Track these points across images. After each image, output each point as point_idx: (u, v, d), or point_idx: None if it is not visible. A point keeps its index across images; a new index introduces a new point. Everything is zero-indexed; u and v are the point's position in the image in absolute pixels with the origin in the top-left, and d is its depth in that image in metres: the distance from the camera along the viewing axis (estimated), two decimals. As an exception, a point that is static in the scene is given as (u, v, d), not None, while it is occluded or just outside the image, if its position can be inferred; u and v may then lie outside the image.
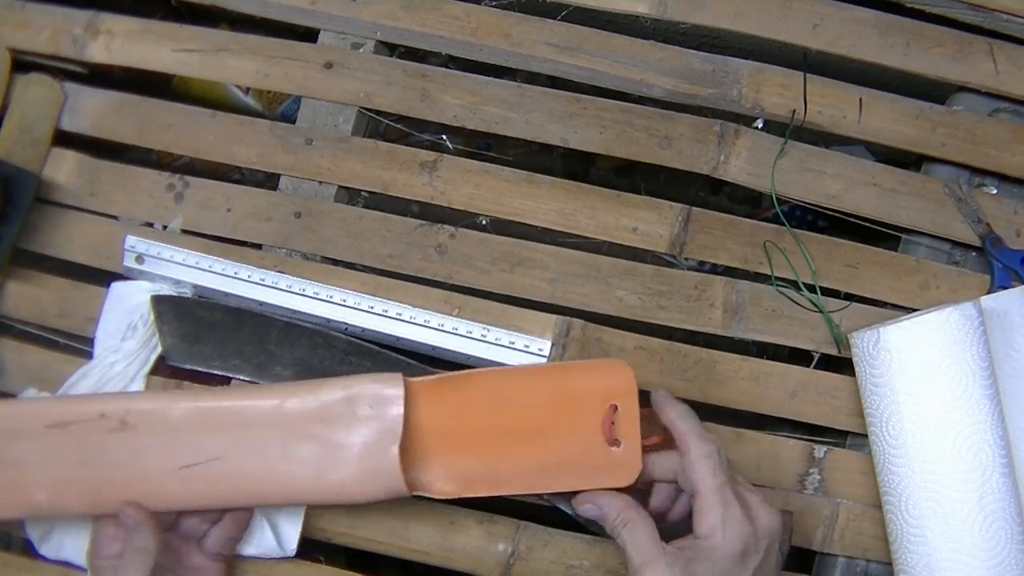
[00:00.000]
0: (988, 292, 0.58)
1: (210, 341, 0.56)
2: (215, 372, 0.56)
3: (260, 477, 0.50)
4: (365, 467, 0.49)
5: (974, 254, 0.60)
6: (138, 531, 0.49)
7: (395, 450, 0.49)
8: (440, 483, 0.51)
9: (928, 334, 0.52)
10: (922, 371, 0.52)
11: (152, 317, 0.56)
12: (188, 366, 0.56)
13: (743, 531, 0.46)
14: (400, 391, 0.50)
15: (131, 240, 0.58)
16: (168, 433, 0.50)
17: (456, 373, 0.52)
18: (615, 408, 0.50)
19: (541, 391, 0.51)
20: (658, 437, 0.50)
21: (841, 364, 0.58)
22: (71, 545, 0.55)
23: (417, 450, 0.51)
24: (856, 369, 0.56)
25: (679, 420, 0.49)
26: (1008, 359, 0.56)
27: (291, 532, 0.54)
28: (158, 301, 0.56)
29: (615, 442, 0.50)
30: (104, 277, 0.58)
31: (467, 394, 0.51)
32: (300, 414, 0.50)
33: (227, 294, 0.57)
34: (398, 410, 0.50)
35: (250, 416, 0.50)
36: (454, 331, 0.57)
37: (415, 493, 0.50)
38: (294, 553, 0.54)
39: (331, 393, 0.50)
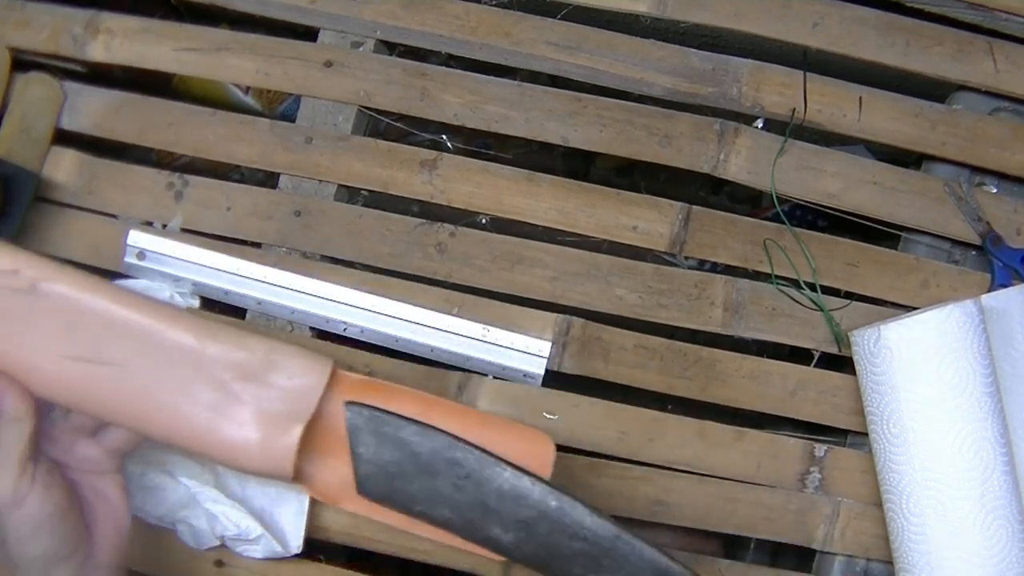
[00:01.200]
0: (988, 291, 0.58)
1: (416, 479, 0.46)
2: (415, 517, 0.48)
3: (151, 401, 0.46)
4: (260, 436, 0.46)
5: (974, 253, 0.60)
6: (7, 399, 0.44)
7: (297, 431, 0.46)
8: (322, 484, 0.48)
9: (929, 332, 0.52)
10: (923, 369, 0.52)
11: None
12: (385, 504, 0.48)
13: None
14: (325, 376, 0.47)
15: (133, 236, 0.58)
16: (74, 319, 0.46)
17: (388, 383, 0.49)
18: None
19: (460, 430, 0.47)
20: None
21: (841, 363, 0.58)
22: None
23: (314, 439, 0.48)
24: (856, 367, 0.56)
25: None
26: (1008, 357, 0.56)
27: (296, 531, 0.54)
28: (354, 414, 0.47)
29: None
30: (103, 276, 0.58)
31: (388, 405, 0.47)
32: (216, 357, 0.47)
33: (227, 292, 0.57)
34: (316, 392, 0.47)
35: (165, 340, 0.46)
36: (454, 332, 0.57)
37: (296, 483, 0.47)
38: (300, 551, 0.54)
39: (255, 350, 0.47)
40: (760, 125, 0.60)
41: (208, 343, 0.47)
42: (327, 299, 0.57)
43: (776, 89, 0.60)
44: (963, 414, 0.52)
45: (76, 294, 0.46)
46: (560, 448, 0.57)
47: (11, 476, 0.42)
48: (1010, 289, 0.57)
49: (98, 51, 0.61)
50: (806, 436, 0.58)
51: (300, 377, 0.47)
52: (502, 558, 0.47)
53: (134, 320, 0.47)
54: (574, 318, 0.58)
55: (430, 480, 0.46)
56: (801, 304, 0.58)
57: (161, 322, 0.47)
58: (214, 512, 0.53)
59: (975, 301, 0.53)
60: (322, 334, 0.58)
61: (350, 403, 0.46)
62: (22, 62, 0.61)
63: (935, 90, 0.61)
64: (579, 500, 0.45)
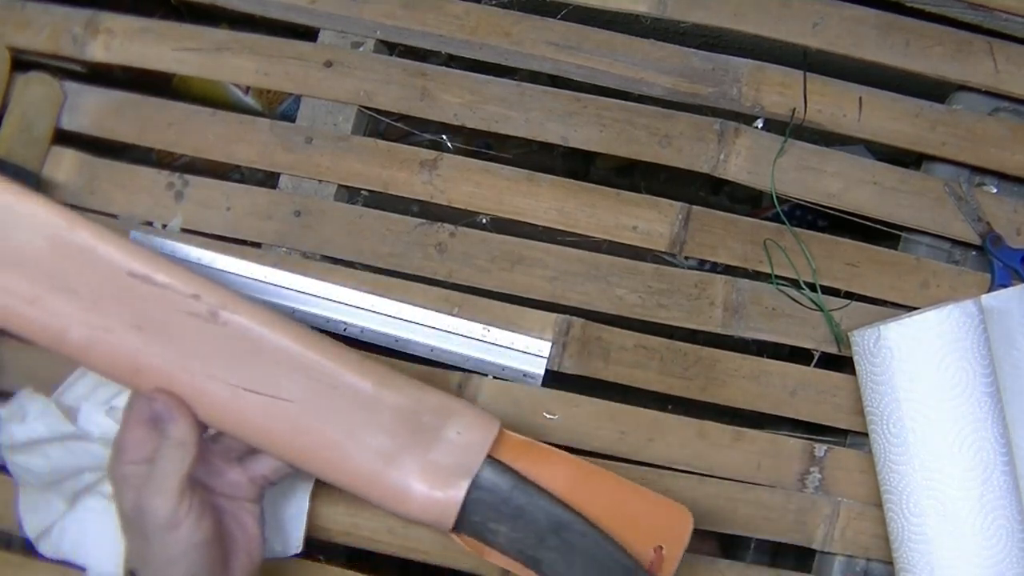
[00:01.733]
0: (988, 291, 0.58)
1: (530, 542, 0.48)
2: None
3: (318, 440, 0.46)
4: (426, 487, 0.46)
5: (974, 253, 0.60)
6: (174, 422, 0.44)
7: (464, 486, 0.46)
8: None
9: (929, 332, 0.52)
10: (923, 369, 0.52)
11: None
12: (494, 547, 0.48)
13: None
14: (494, 433, 0.48)
15: (135, 236, 0.58)
16: (251, 350, 0.46)
17: (544, 446, 0.50)
18: (661, 549, 0.48)
19: (605, 498, 0.48)
20: None
21: (841, 363, 0.58)
22: (70, 544, 0.55)
23: None
24: (856, 367, 0.56)
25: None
26: (1008, 357, 0.56)
27: (296, 531, 0.54)
28: (494, 472, 0.48)
29: None
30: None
31: (542, 467, 0.48)
32: (391, 405, 0.47)
33: (227, 293, 0.57)
34: (483, 448, 0.47)
35: (341, 382, 0.46)
36: (454, 331, 0.57)
37: (453, 534, 0.48)
38: (300, 551, 0.54)
39: (429, 402, 0.48)
40: (760, 125, 0.60)
41: (384, 391, 0.47)
42: (327, 299, 0.57)
43: (776, 89, 0.60)
44: (963, 414, 0.52)
45: (256, 326, 0.46)
46: (560, 448, 0.57)
47: (170, 500, 0.43)
48: (1010, 289, 0.57)
49: (98, 51, 0.61)
50: (806, 436, 0.58)
51: (468, 433, 0.47)
52: None
53: (313, 359, 0.46)
54: (574, 318, 0.58)
55: (540, 543, 0.47)
56: (801, 304, 0.58)
57: (339, 364, 0.47)
58: None
59: (975, 301, 0.53)
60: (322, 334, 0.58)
61: (491, 460, 0.47)
62: (22, 62, 0.61)
63: (935, 90, 0.61)
64: None
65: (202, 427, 0.46)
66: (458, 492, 0.46)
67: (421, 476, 0.46)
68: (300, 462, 0.47)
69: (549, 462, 0.49)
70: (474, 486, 0.46)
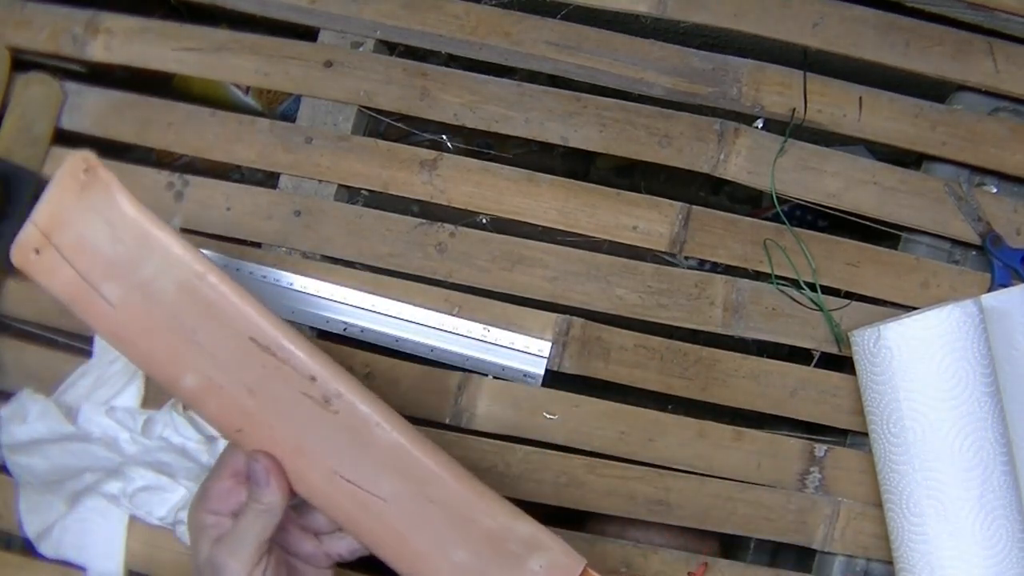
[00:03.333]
0: (988, 291, 0.58)
1: None
2: None
3: (404, 545, 0.46)
4: None
5: (974, 253, 0.60)
6: (269, 488, 0.44)
7: None
8: None
9: (928, 332, 0.52)
10: (923, 369, 0.52)
11: None
12: None
13: None
14: (579, 570, 0.47)
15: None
16: (356, 441, 0.46)
17: None
18: None
19: None
20: None
21: (841, 363, 0.58)
22: (70, 544, 0.55)
23: None
24: (856, 367, 0.56)
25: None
26: (1008, 357, 0.56)
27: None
28: None
29: None
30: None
31: None
32: (482, 526, 0.47)
33: (227, 293, 0.57)
34: None
35: (440, 492, 0.46)
36: (453, 332, 0.57)
37: None
38: None
39: (522, 529, 0.47)
40: (760, 125, 0.60)
41: (480, 510, 0.47)
42: (327, 299, 0.57)
43: (776, 89, 0.60)
44: (963, 414, 0.51)
45: (367, 421, 0.46)
46: (560, 448, 0.57)
47: (247, 563, 0.43)
48: (1010, 289, 0.57)
49: (98, 51, 0.61)
50: (806, 436, 0.58)
51: (554, 568, 0.47)
52: None
53: (417, 461, 0.46)
54: (574, 318, 0.58)
55: None
56: (801, 304, 0.58)
57: (443, 472, 0.46)
58: None
59: (975, 301, 0.53)
60: (322, 334, 0.58)
61: None
62: (22, 62, 0.61)
63: (935, 90, 0.61)
64: None
65: (291, 495, 0.46)
66: None
67: None
68: (381, 556, 0.47)
69: None
70: None
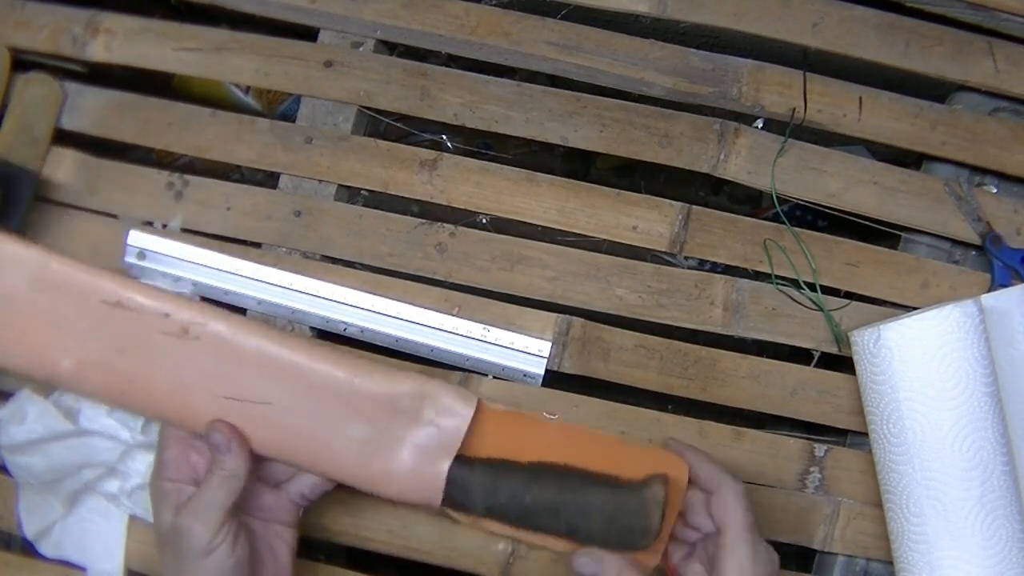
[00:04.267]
0: (988, 291, 0.58)
1: (519, 512, 0.50)
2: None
3: (303, 438, 0.48)
4: (411, 468, 0.48)
5: (974, 253, 0.60)
6: (230, 454, 0.46)
7: (446, 466, 0.48)
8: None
9: (928, 332, 0.52)
10: (923, 369, 0.52)
11: None
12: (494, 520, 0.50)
13: (770, 571, 0.47)
14: (471, 411, 0.49)
15: (133, 236, 0.58)
16: (226, 360, 0.48)
17: (527, 414, 0.52)
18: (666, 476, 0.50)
19: (596, 458, 0.50)
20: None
21: (841, 363, 0.58)
22: (70, 543, 0.55)
23: None
24: (856, 367, 0.56)
25: (707, 461, 0.49)
26: (1008, 357, 0.56)
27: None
28: (462, 469, 0.50)
29: None
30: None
31: (528, 436, 0.51)
32: (367, 394, 0.49)
33: (227, 292, 0.57)
34: (462, 427, 0.49)
35: (316, 378, 0.48)
36: (454, 332, 0.57)
37: (446, 510, 0.50)
38: None
39: (404, 385, 0.49)
40: (760, 125, 0.60)
41: (360, 380, 0.49)
42: (327, 299, 0.57)
43: (776, 89, 0.60)
44: (963, 414, 0.52)
45: (226, 336, 0.48)
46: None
47: (211, 527, 0.44)
48: (1010, 289, 0.57)
49: (98, 51, 0.61)
50: (806, 436, 0.58)
51: (448, 412, 0.49)
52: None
53: (286, 358, 0.48)
54: (574, 318, 0.58)
55: (530, 514, 0.49)
56: (801, 304, 0.58)
57: (313, 360, 0.49)
58: None
59: (975, 301, 0.53)
60: (322, 334, 0.58)
61: (460, 458, 0.49)
62: (22, 62, 0.61)
63: (935, 90, 0.61)
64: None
65: (254, 456, 0.48)
66: (440, 471, 0.48)
67: (405, 460, 0.48)
68: (289, 460, 0.49)
69: (535, 428, 0.51)
70: (456, 463, 0.49)
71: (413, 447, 0.49)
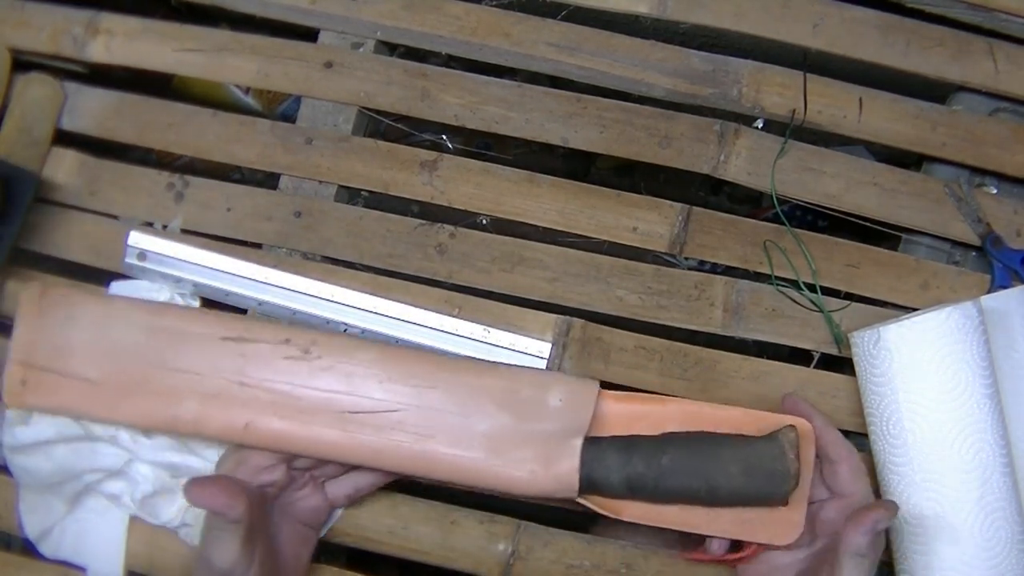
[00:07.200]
0: (988, 292, 0.58)
1: (655, 481, 0.49)
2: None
3: (429, 444, 0.48)
4: (541, 456, 0.48)
5: (974, 254, 0.60)
6: (232, 510, 0.45)
7: (578, 446, 0.48)
8: (598, 497, 0.50)
9: (928, 333, 0.52)
10: (923, 370, 0.52)
11: None
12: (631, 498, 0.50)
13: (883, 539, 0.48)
14: (595, 393, 0.49)
15: (134, 237, 0.58)
16: (348, 374, 0.49)
17: (650, 395, 0.52)
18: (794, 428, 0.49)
19: (720, 427, 0.50)
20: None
21: (841, 364, 0.58)
22: (70, 544, 0.55)
23: None
24: (856, 368, 0.56)
25: (830, 428, 0.50)
26: (1008, 359, 0.56)
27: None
28: (589, 449, 0.49)
29: None
30: (104, 277, 0.58)
31: (653, 418, 0.50)
32: (490, 389, 0.49)
33: (227, 293, 0.57)
34: (589, 408, 0.49)
35: (438, 379, 0.49)
36: (454, 333, 0.57)
37: (581, 499, 0.49)
38: None
39: (527, 376, 0.49)
40: (760, 126, 0.60)
41: (483, 376, 0.49)
42: (327, 300, 0.57)
43: (776, 90, 0.60)
44: (962, 415, 0.52)
45: (349, 345, 0.50)
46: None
47: (234, 553, 0.46)
48: (1010, 290, 0.57)
49: (98, 51, 0.61)
50: (806, 437, 0.58)
51: (572, 396, 0.49)
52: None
53: (407, 361, 0.49)
54: (574, 319, 0.58)
55: (669, 475, 0.48)
56: (801, 305, 0.58)
57: (433, 362, 0.49)
58: None
59: (975, 302, 0.53)
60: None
61: (589, 439, 0.49)
62: (22, 62, 0.61)
63: (935, 91, 0.61)
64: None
65: (290, 457, 0.49)
66: (574, 452, 0.48)
67: (535, 450, 0.48)
68: (416, 468, 0.49)
69: (661, 408, 0.50)
70: (587, 443, 0.48)
71: (542, 436, 0.48)
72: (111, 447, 0.54)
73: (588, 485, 0.48)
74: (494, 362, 0.50)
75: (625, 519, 0.49)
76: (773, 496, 0.47)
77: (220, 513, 0.45)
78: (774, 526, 0.49)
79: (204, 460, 0.54)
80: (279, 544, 0.49)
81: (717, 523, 0.49)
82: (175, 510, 0.54)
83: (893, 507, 0.47)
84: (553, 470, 0.48)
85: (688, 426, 0.50)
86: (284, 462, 0.49)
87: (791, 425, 0.48)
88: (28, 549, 0.56)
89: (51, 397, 0.50)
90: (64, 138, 0.61)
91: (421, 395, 0.49)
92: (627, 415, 0.50)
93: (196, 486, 0.45)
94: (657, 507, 0.49)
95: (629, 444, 0.49)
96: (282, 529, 0.50)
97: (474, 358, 0.51)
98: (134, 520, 0.55)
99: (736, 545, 0.51)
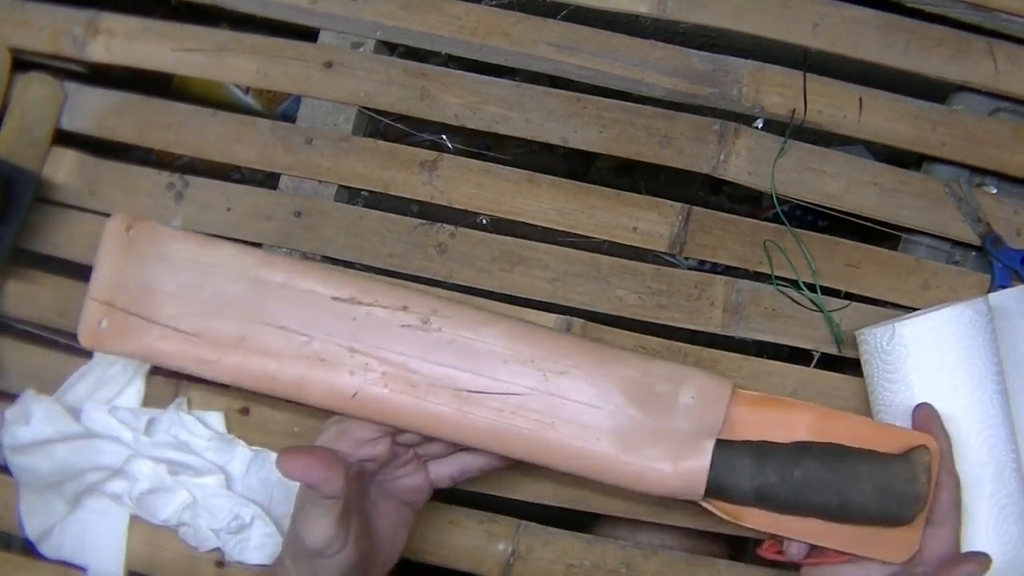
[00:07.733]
0: (988, 291, 0.58)
1: (788, 490, 0.46)
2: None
3: (553, 430, 0.44)
4: (671, 456, 0.45)
5: (974, 253, 0.60)
6: (325, 484, 0.42)
7: (709, 448, 0.45)
8: (722, 502, 0.47)
9: (942, 329, 0.52)
10: (937, 366, 0.52)
11: None
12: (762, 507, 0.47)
13: None
14: (728, 391, 0.46)
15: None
16: (469, 350, 0.44)
17: (783, 400, 0.48)
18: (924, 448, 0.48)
19: (850, 437, 0.47)
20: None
21: (841, 363, 0.58)
22: (70, 544, 0.55)
23: None
24: (865, 366, 0.55)
25: (947, 452, 0.48)
26: (1009, 358, 0.56)
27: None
28: (722, 453, 0.46)
29: None
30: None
31: (784, 423, 0.47)
32: (622, 379, 0.45)
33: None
34: (721, 408, 0.46)
35: (568, 363, 0.45)
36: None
37: (704, 502, 0.46)
38: None
39: (660, 368, 0.46)
40: (760, 126, 0.60)
41: (614, 364, 0.45)
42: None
43: (776, 90, 0.60)
44: (977, 410, 0.51)
45: (474, 320, 0.45)
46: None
47: (328, 531, 0.43)
48: (1010, 290, 0.57)
49: (98, 51, 0.61)
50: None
51: (705, 394, 0.46)
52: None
53: (536, 341, 0.45)
54: (574, 319, 0.58)
55: (801, 489, 0.46)
56: (801, 305, 0.58)
57: (562, 344, 0.45)
58: (211, 504, 0.53)
59: (984, 299, 0.53)
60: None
61: (721, 442, 0.46)
62: (22, 62, 0.61)
63: (935, 90, 0.61)
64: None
65: (395, 431, 0.45)
66: (704, 459, 0.45)
67: (665, 447, 0.45)
68: (535, 459, 0.45)
69: (791, 412, 0.47)
70: (718, 446, 0.45)
71: (672, 433, 0.45)
72: (112, 444, 0.54)
73: (715, 489, 0.46)
74: (625, 349, 0.47)
75: (746, 525, 0.47)
76: (901, 517, 0.46)
77: (316, 487, 0.41)
78: (892, 543, 0.47)
79: (204, 460, 0.54)
80: (375, 522, 0.46)
81: (836, 535, 0.47)
82: (173, 508, 0.54)
83: (986, 561, 0.45)
84: (681, 470, 0.45)
85: (817, 435, 0.47)
86: (389, 436, 0.45)
87: (925, 446, 0.47)
88: (28, 549, 0.56)
89: (134, 343, 0.45)
90: (64, 138, 0.61)
91: (548, 380, 0.44)
92: (757, 419, 0.47)
93: (291, 456, 0.41)
94: (780, 516, 0.47)
95: (761, 452, 0.46)
96: (379, 507, 0.47)
97: (603, 343, 0.46)
98: (134, 520, 0.55)
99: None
